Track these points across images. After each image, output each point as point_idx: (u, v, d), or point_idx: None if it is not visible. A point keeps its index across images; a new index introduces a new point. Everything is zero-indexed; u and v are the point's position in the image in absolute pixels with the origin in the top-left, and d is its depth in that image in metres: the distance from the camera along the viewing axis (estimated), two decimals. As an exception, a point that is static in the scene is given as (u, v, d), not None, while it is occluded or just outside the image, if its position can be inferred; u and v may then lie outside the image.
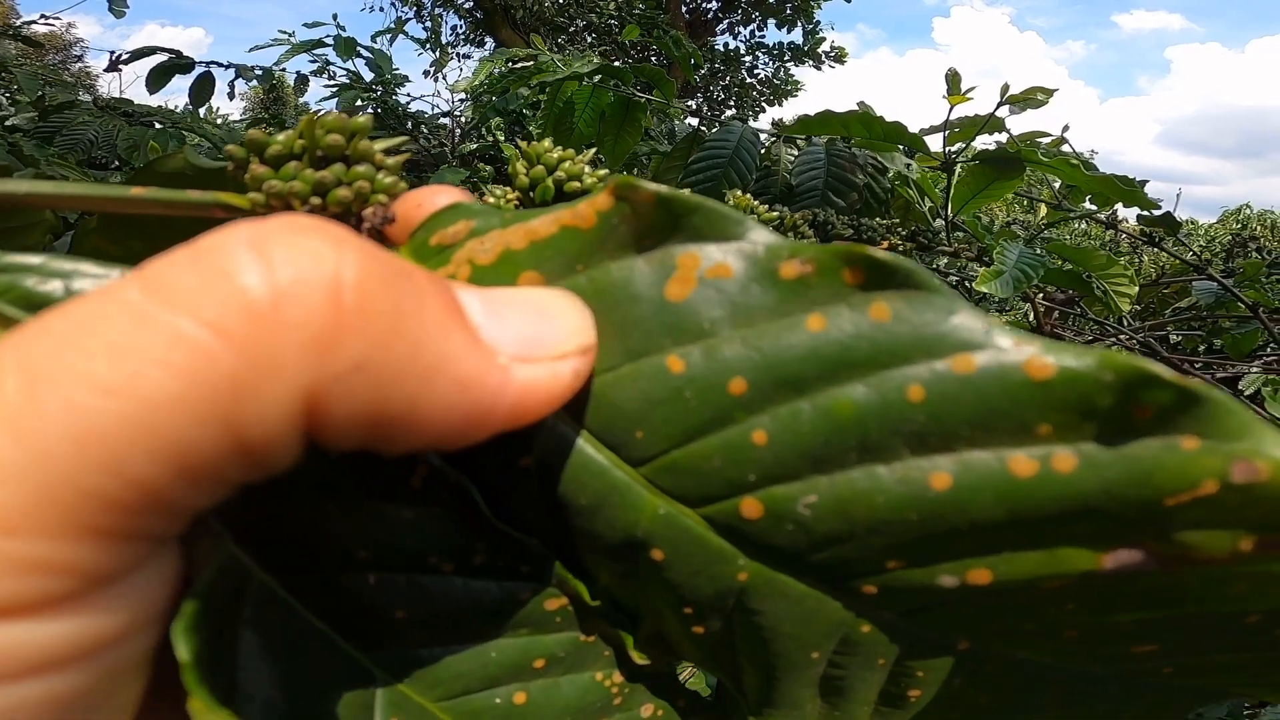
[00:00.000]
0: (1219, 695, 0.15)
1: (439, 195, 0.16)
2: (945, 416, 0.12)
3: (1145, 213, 0.86)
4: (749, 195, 0.41)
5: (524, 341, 0.12)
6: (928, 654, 0.14)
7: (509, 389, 0.12)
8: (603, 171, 0.20)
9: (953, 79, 0.64)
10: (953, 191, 0.72)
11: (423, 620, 0.14)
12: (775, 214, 0.44)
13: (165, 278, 0.10)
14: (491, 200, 0.22)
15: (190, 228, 0.23)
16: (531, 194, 0.19)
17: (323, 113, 0.16)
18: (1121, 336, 1.06)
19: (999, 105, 0.67)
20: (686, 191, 0.13)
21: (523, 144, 0.20)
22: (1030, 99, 0.66)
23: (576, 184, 0.19)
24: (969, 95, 0.64)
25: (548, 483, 0.14)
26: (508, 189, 0.21)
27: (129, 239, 0.22)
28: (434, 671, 0.14)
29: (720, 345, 0.12)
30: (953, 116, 0.71)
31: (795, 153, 0.85)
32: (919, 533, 0.12)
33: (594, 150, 0.21)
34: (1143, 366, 0.11)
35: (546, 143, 0.20)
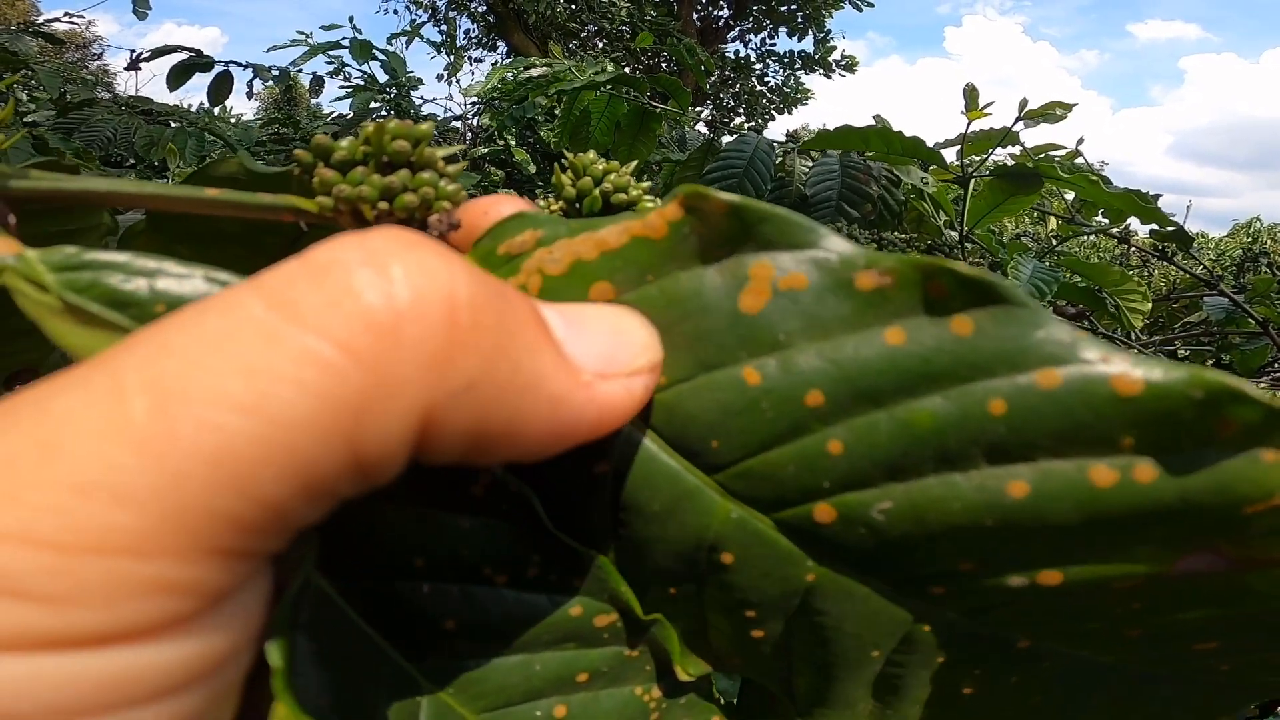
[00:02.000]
0: (1265, 692, 0.15)
1: (504, 203, 0.16)
2: (1026, 429, 0.12)
3: (1158, 228, 0.86)
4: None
5: (602, 358, 0.13)
6: (986, 652, 0.14)
7: (592, 405, 0.12)
8: (647, 184, 0.20)
9: (971, 94, 0.64)
10: (969, 205, 0.73)
11: (472, 631, 0.14)
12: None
13: (290, 294, 0.10)
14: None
15: (240, 236, 0.23)
16: (578, 205, 0.20)
17: (339, 122, 0.16)
18: (1132, 350, 1.06)
19: (1016, 120, 0.67)
20: (758, 201, 0.13)
21: (569, 156, 0.21)
22: (1049, 114, 0.66)
23: (623, 196, 0.20)
24: (987, 111, 0.64)
25: (619, 489, 0.14)
26: (550, 199, 0.21)
27: (176, 243, 0.22)
28: (478, 683, 0.14)
29: (796, 357, 0.13)
30: (969, 130, 0.72)
31: (810, 164, 0.85)
32: (995, 538, 0.12)
33: (635, 163, 0.22)
34: (1232, 385, 0.11)
35: (591, 154, 0.21)
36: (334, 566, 0.14)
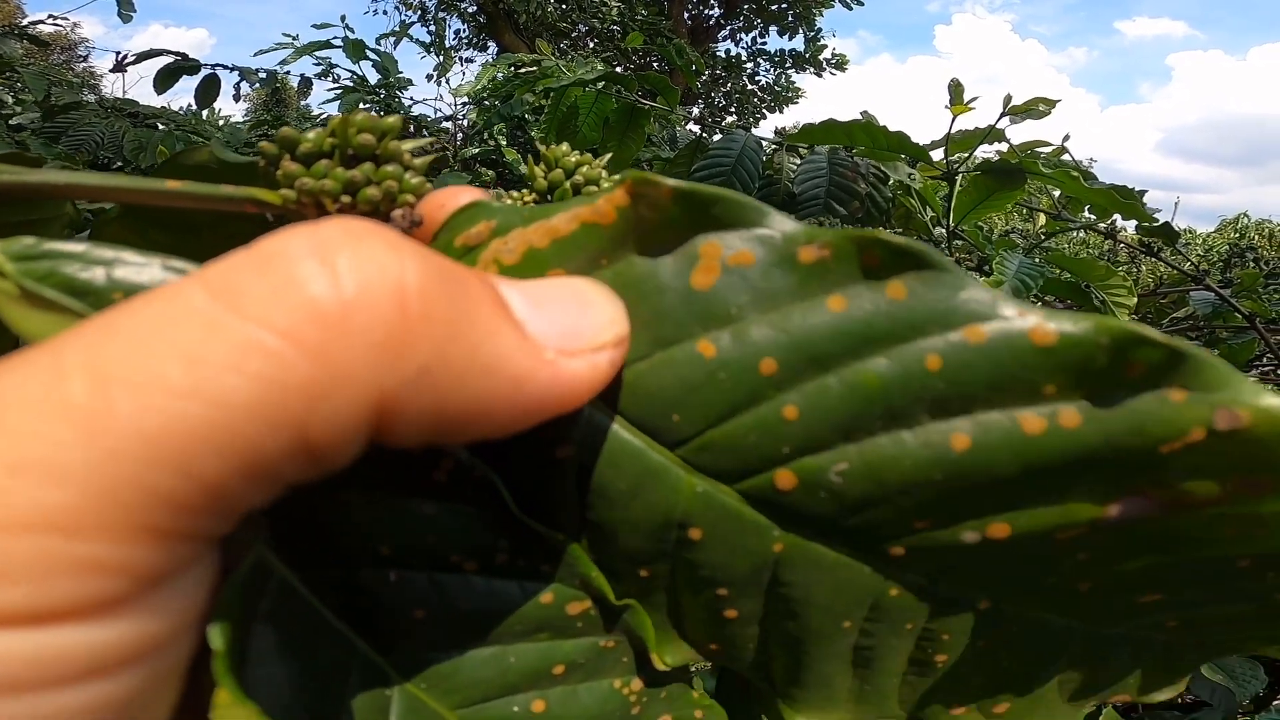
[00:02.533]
0: (1220, 650, 0.16)
1: (461, 195, 0.16)
2: (961, 382, 0.13)
3: (1142, 223, 0.87)
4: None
5: (565, 334, 0.13)
6: (951, 616, 0.15)
7: (557, 382, 0.12)
8: (619, 175, 0.20)
9: (955, 89, 0.65)
10: (954, 201, 0.73)
11: (442, 621, 0.14)
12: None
13: (233, 283, 0.10)
14: (508, 203, 0.22)
15: (213, 223, 0.23)
16: (549, 197, 0.20)
17: (329, 123, 0.16)
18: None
19: (1001, 116, 0.68)
20: (705, 185, 0.13)
21: (541, 148, 0.21)
22: (1032, 110, 0.67)
23: (594, 188, 0.19)
24: (971, 106, 0.65)
25: (585, 472, 0.14)
26: (525, 192, 0.21)
27: (149, 230, 0.22)
28: (452, 677, 0.14)
29: (748, 328, 0.13)
30: (955, 127, 0.72)
31: (798, 161, 0.85)
32: (944, 492, 0.13)
33: (610, 155, 0.22)
34: (1134, 329, 0.12)
35: (564, 147, 0.20)
36: (297, 556, 0.14)
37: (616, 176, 0.20)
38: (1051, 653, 0.16)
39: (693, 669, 0.17)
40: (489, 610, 0.15)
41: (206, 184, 0.16)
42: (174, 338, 0.09)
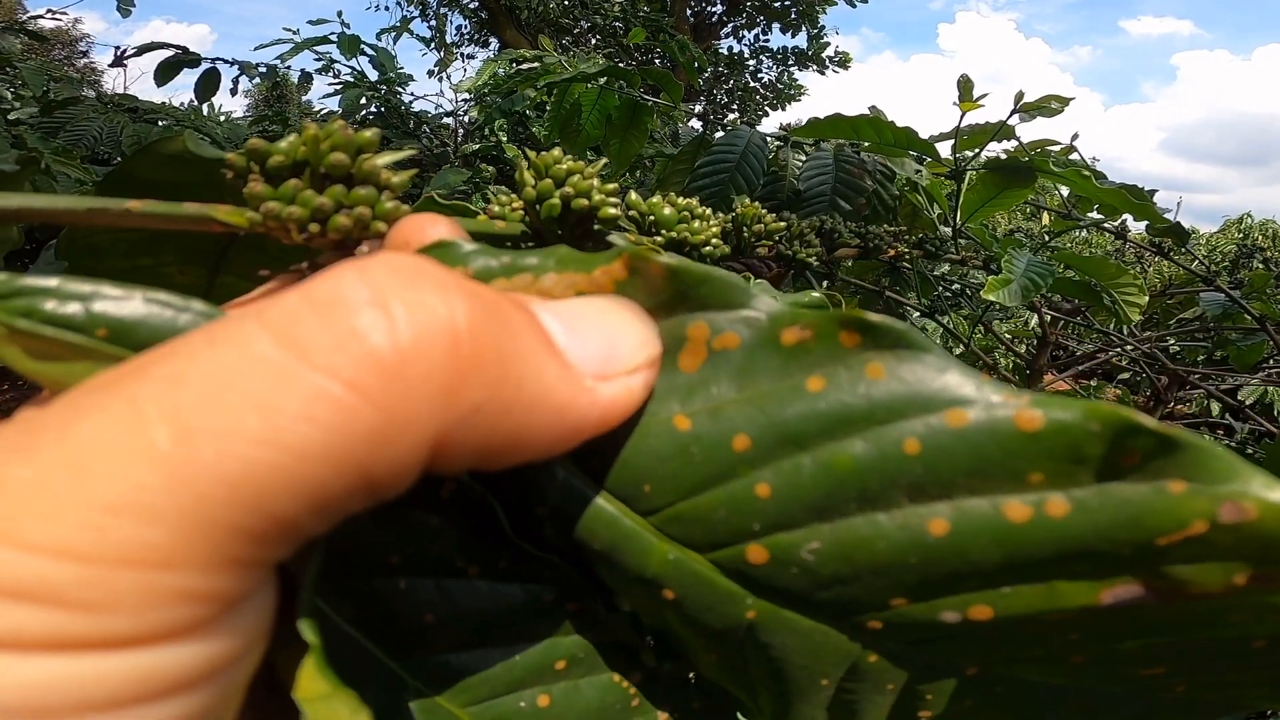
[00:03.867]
0: (1237, 706, 0.15)
1: (429, 228, 0.15)
2: (941, 467, 0.12)
3: (1153, 224, 0.85)
4: (755, 203, 0.40)
5: (602, 359, 0.13)
6: (936, 679, 0.14)
7: (596, 408, 0.13)
8: (612, 186, 0.19)
9: (964, 86, 0.63)
10: (962, 199, 0.72)
11: (450, 624, 0.15)
12: (782, 223, 0.43)
13: (299, 333, 0.11)
14: (496, 208, 0.21)
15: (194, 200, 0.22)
16: (538, 207, 0.19)
17: (328, 119, 0.15)
18: (1127, 347, 1.06)
19: (1012, 113, 0.67)
20: (695, 264, 0.13)
21: (532, 154, 0.20)
22: (1044, 107, 0.65)
23: (584, 201, 0.19)
24: (980, 103, 0.64)
25: (564, 527, 0.15)
26: (513, 196, 0.20)
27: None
28: (462, 676, 0.15)
29: (725, 407, 0.13)
30: (963, 123, 0.71)
31: (803, 158, 0.84)
32: (920, 575, 0.13)
33: (604, 162, 0.21)
34: (1126, 416, 0.11)
35: (556, 152, 0.20)
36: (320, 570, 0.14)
37: (611, 186, 0.20)
38: (1050, 708, 0.15)
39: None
40: (493, 611, 0.15)
41: (169, 204, 0.16)
42: (248, 388, 0.10)
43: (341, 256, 0.15)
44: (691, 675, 0.17)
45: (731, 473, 0.13)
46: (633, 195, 0.21)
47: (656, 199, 0.20)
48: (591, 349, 0.13)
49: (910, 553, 0.12)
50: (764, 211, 0.41)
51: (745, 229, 0.36)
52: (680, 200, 0.20)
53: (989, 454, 0.12)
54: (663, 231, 0.20)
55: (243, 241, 0.21)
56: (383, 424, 0.10)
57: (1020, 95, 0.64)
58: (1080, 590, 0.12)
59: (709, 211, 0.21)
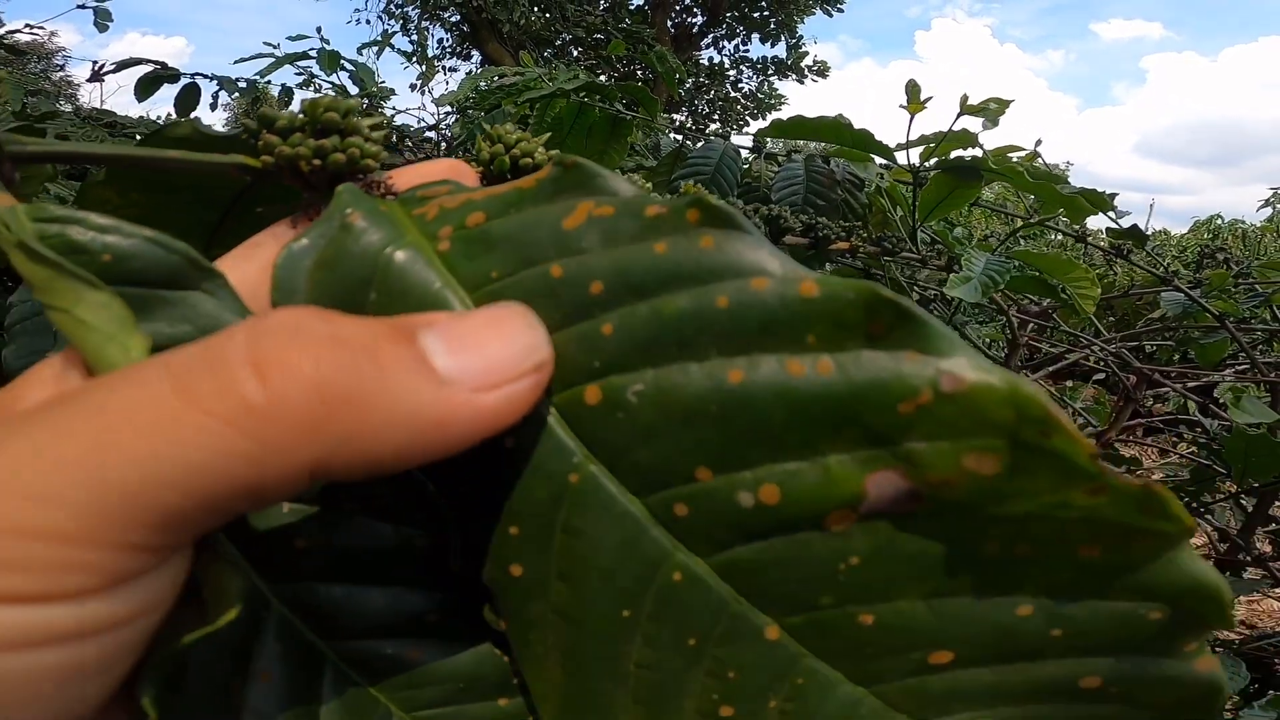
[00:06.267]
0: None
1: (434, 172, 0.20)
2: (743, 321, 0.15)
3: (1114, 224, 0.89)
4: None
5: (484, 371, 0.14)
6: (739, 639, 0.15)
7: (479, 416, 0.14)
8: (554, 151, 0.23)
9: (912, 90, 0.66)
10: (919, 200, 0.75)
11: (323, 552, 0.17)
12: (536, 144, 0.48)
13: (191, 383, 0.13)
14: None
15: (192, 186, 0.25)
16: (491, 166, 0.23)
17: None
18: (1094, 348, 1.09)
19: (958, 116, 0.69)
20: (595, 165, 0.17)
21: (487, 127, 0.23)
22: (984, 110, 0.68)
23: (529, 160, 0.23)
24: (925, 105, 0.66)
25: None
26: (472, 163, 0.24)
27: (132, 191, 0.25)
28: (335, 616, 0.17)
29: (590, 259, 0.16)
30: (927, 129, 0.73)
31: (776, 169, 0.86)
32: (720, 432, 0.15)
33: (549, 135, 0.29)
34: (873, 288, 0.14)
35: (508, 126, 0.24)
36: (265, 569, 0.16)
37: (553, 151, 0.23)
38: None
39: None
40: (368, 549, 0.17)
41: (203, 153, 0.20)
42: (150, 420, 0.13)
43: (324, 200, 0.18)
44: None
45: (586, 313, 0.16)
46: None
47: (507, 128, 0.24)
48: (473, 362, 0.14)
49: (711, 399, 0.15)
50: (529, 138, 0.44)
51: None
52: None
53: (778, 314, 0.15)
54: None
55: (252, 190, 0.24)
56: (259, 451, 0.13)
57: (965, 99, 0.67)
58: (849, 475, 0.14)
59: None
